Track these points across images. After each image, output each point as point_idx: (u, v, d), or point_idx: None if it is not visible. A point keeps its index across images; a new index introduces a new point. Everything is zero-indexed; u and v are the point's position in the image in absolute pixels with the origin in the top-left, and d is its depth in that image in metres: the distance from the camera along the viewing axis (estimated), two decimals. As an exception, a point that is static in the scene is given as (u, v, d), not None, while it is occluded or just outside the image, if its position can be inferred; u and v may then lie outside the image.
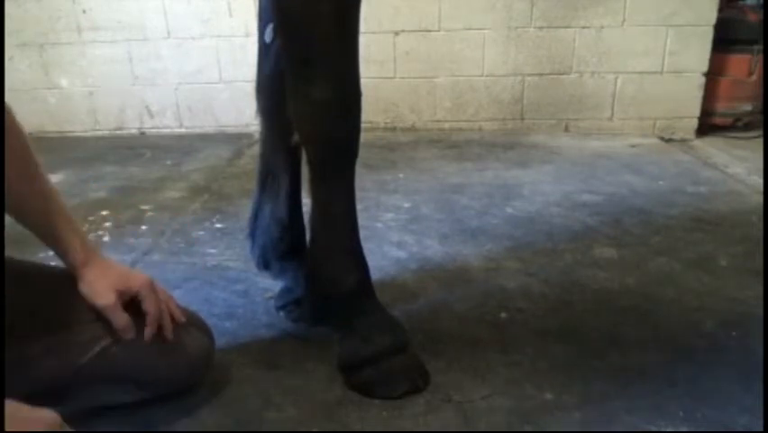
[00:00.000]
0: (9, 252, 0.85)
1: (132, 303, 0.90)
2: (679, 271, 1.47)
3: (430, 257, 1.57)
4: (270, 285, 1.34)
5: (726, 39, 2.77)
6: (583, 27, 2.77)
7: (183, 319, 0.96)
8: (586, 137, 2.86)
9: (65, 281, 0.89)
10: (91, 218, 1.88)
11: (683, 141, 2.86)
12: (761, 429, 0.91)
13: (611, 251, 1.59)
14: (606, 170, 2.33)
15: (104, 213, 1.93)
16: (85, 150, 2.75)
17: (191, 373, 1.00)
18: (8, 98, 0.82)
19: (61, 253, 0.88)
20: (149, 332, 0.89)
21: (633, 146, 2.71)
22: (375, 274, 1.15)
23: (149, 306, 0.90)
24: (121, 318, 0.87)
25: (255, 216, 1.25)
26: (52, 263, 0.96)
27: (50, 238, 0.88)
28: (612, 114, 2.91)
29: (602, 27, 2.76)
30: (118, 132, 3.08)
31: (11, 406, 0.60)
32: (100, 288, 0.87)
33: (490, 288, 1.40)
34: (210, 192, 2.14)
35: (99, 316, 0.88)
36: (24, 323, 0.82)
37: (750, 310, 1.28)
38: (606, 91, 2.87)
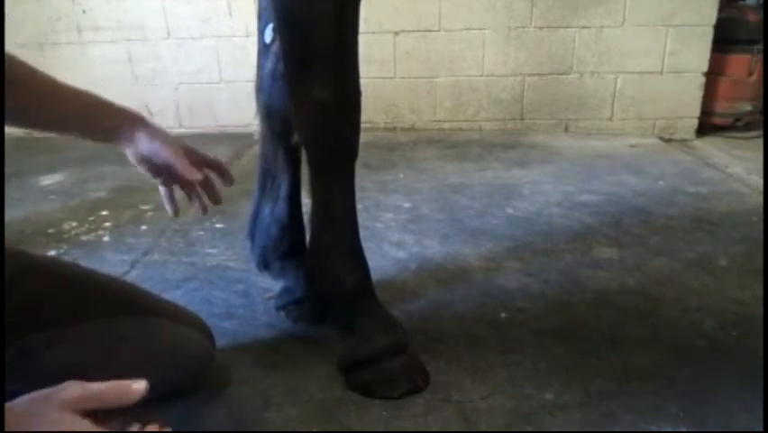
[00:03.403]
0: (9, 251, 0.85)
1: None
2: (679, 271, 1.47)
3: (430, 257, 1.57)
4: (270, 285, 1.34)
5: (725, 39, 2.76)
6: (583, 27, 2.77)
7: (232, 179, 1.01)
8: (586, 137, 2.86)
9: (68, 276, 0.89)
10: (91, 218, 1.88)
11: (683, 141, 2.86)
12: (761, 429, 0.91)
13: (611, 251, 1.59)
14: (606, 170, 2.33)
15: (104, 213, 1.93)
16: (85, 150, 2.74)
17: (192, 374, 1.00)
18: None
19: (111, 128, 0.87)
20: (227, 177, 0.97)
21: (633, 146, 2.71)
22: (375, 274, 1.15)
23: (210, 159, 0.96)
24: (187, 166, 0.89)
25: (255, 216, 1.25)
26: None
27: (95, 122, 0.87)
28: (612, 114, 2.91)
29: (602, 27, 2.76)
30: (118, 132, 3.08)
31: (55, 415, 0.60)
32: (163, 142, 0.88)
33: (490, 288, 1.40)
34: (210, 192, 2.14)
35: (101, 313, 0.88)
36: (26, 316, 0.82)
37: (750, 310, 1.28)
38: (606, 91, 2.87)
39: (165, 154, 0.88)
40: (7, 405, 0.60)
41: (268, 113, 1.16)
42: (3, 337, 0.72)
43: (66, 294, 0.88)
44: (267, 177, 1.21)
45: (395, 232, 1.74)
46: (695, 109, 2.87)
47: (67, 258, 1.52)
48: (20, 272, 0.83)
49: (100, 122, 0.87)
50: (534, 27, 2.79)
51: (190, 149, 0.94)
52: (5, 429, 0.56)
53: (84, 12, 2.89)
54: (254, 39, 1.19)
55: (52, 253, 1.49)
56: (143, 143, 0.87)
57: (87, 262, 1.20)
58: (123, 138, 0.88)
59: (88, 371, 0.87)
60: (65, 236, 1.72)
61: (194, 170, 0.90)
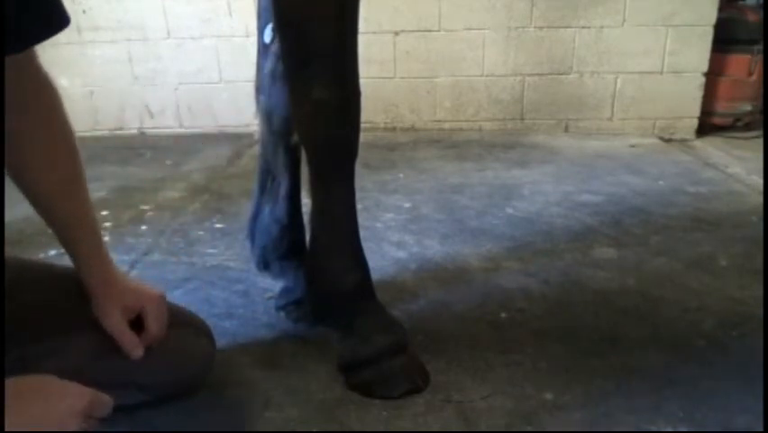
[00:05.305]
0: (9, 253, 0.84)
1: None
2: (679, 271, 1.47)
3: (430, 257, 1.57)
4: (270, 285, 1.34)
5: (725, 39, 2.76)
6: (583, 27, 2.77)
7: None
8: (586, 137, 2.86)
9: (69, 284, 0.88)
10: (91, 218, 1.88)
11: (683, 141, 2.86)
12: (761, 429, 0.91)
13: (611, 251, 1.59)
14: (606, 170, 2.33)
15: (104, 213, 1.93)
16: (85, 150, 2.71)
17: (192, 375, 1.00)
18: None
19: (79, 269, 0.88)
20: (140, 350, 0.89)
21: (633, 146, 2.71)
22: (375, 274, 1.15)
23: (151, 323, 0.90)
24: (126, 339, 0.87)
25: (255, 216, 1.25)
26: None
27: (72, 250, 0.88)
28: (612, 114, 2.91)
29: (602, 27, 2.76)
30: (118, 132, 3.08)
31: (41, 378, 0.63)
32: (108, 308, 0.87)
33: (490, 288, 1.40)
34: (210, 192, 2.14)
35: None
36: (26, 324, 0.82)
37: (750, 310, 1.28)
38: (606, 91, 2.87)
39: (110, 330, 0.87)
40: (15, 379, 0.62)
41: (267, 113, 1.16)
42: (2, 339, 0.72)
43: (64, 301, 0.88)
44: (267, 177, 1.21)
45: (395, 232, 1.74)
46: (695, 109, 2.87)
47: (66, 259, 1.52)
48: (19, 279, 0.83)
49: (73, 256, 0.88)
50: (534, 27, 2.79)
51: (154, 314, 0.90)
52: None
53: (84, 12, 2.89)
54: (254, 39, 1.19)
55: (52, 253, 1.49)
56: (96, 312, 0.87)
57: (87, 263, 1.21)
58: (86, 286, 0.88)
59: (88, 377, 0.87)
60: (65, 236, 1.72)
61: (136, 349, 0.88)
